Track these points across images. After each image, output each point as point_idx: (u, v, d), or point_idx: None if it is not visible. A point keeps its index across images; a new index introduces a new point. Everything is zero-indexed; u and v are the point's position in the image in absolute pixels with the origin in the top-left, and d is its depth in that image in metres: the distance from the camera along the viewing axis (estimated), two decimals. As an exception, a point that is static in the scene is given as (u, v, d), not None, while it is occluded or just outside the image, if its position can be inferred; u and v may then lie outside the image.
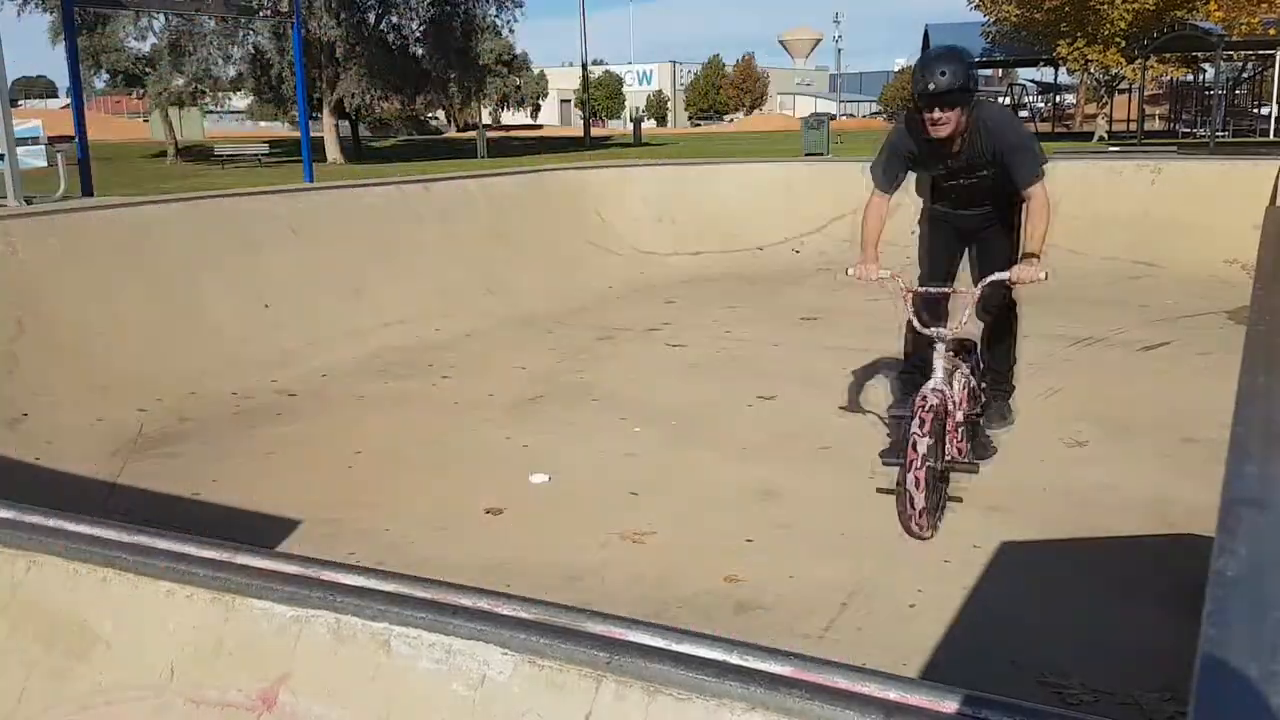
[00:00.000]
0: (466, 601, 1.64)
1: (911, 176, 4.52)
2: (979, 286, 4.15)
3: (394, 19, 35.12)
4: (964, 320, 4.06)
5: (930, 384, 3.97)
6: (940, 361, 4.01)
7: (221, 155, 33.80)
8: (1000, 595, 3.46)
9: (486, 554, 3.86)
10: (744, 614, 3.32)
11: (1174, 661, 2.73)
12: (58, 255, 6.20)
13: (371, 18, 34.40)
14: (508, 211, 10.12)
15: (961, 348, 4.45)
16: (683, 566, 3.74)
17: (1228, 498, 1.26)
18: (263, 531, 4.04)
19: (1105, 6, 30.22)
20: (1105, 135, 32.37)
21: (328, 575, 1.76)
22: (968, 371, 4.44)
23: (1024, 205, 4.23)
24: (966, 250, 4.66)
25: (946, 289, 4.40)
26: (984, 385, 4.69)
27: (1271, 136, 30.64)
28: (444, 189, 9.89)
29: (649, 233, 11.00)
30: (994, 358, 4.80)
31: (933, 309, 4.34)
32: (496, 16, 37.09)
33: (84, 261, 6.32)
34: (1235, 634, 0.94)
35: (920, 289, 4.28)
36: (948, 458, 4.05)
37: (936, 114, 3.95)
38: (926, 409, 3.82)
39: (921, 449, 3.73)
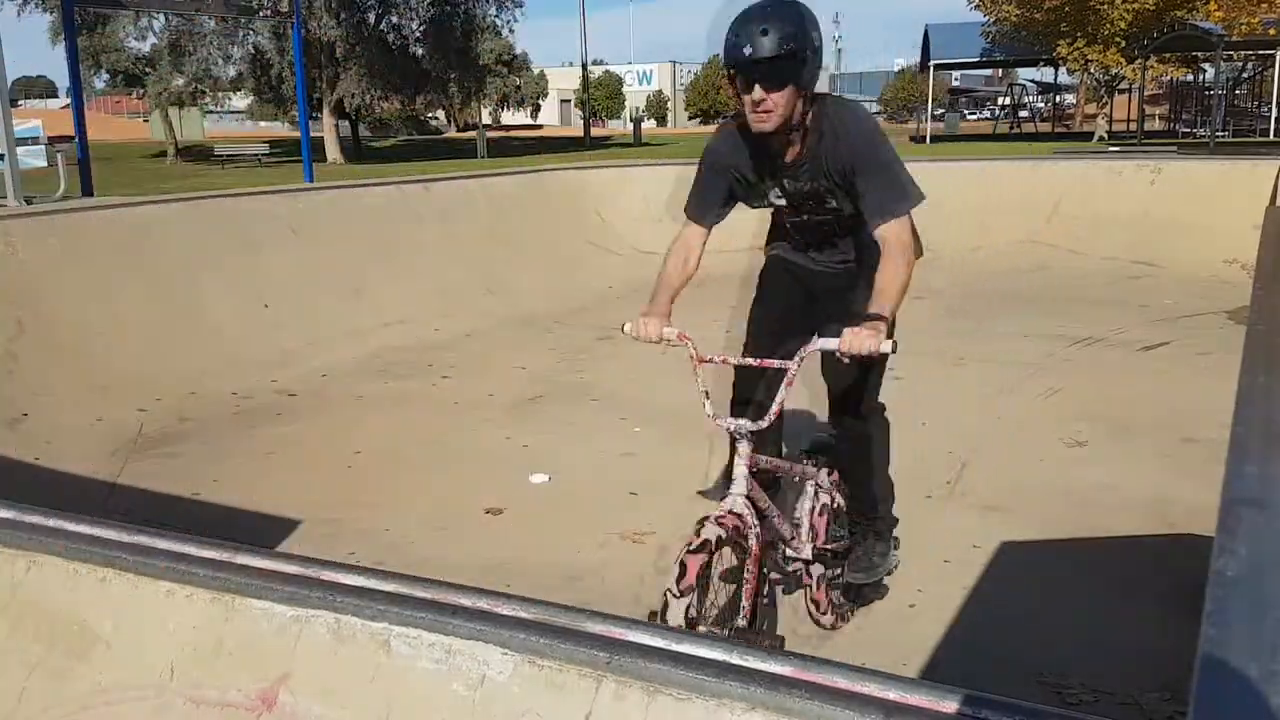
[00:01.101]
0: (466, 601, 1.64)
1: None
2: (796, 359, 2.63)
3: (394, 19, 35.15)
4: (776, 406, 2.65)
5: (726, 503, 2.63)
6: (743, 466, 2.65)
7: (221, 155, 33.82)
8: (1000, 595, 3.46)
9: (486, 554, 3.86)
10: (744, 614, 3.32)
11: (1174, 661, 2.73)
12: (58, 255, 6.20)
13: (371, 18, 34.41)
14: (508, 211, 10.12)
15: (824, 448, 3.31)
16: (683, 566, 3.74)
17: (1228, 498, 1.26)
18: (263, 531, 4.04)
19: (1105, 6, 30.24)
20: (1105, 135, 32.37)
21: (328, 575, 1.76)
22: (825, 485, 3.24)
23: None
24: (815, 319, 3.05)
25: (758, 362, 2.82)
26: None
27: (1271, 136, 30.63)
28: (444, 189, 9.90)
29: (649, 233, 10.96)
30: (851, 479, 3.28)
31: (751, 389, 2.99)
32: (496, 16, 37.19)
33: (84, 261, 6.32)
34: (1235, 634, 0.94)
35: (709, 357, 2.77)
36: (746, 616, 2.57)
37: (757, 93, 2.67)
38: (695, 547, 2.50)
39: (673, 615, 2.39)
